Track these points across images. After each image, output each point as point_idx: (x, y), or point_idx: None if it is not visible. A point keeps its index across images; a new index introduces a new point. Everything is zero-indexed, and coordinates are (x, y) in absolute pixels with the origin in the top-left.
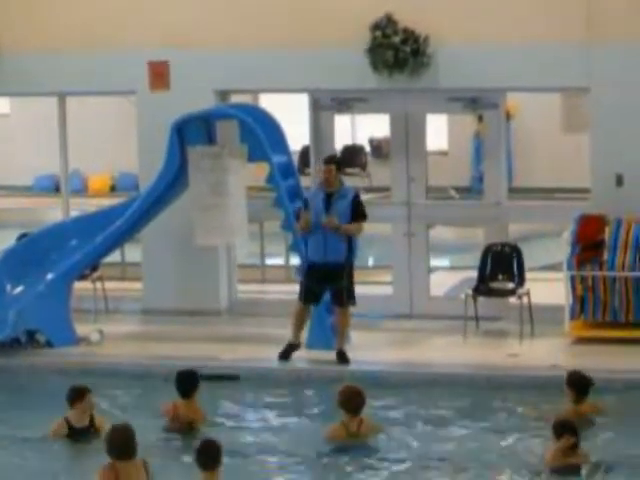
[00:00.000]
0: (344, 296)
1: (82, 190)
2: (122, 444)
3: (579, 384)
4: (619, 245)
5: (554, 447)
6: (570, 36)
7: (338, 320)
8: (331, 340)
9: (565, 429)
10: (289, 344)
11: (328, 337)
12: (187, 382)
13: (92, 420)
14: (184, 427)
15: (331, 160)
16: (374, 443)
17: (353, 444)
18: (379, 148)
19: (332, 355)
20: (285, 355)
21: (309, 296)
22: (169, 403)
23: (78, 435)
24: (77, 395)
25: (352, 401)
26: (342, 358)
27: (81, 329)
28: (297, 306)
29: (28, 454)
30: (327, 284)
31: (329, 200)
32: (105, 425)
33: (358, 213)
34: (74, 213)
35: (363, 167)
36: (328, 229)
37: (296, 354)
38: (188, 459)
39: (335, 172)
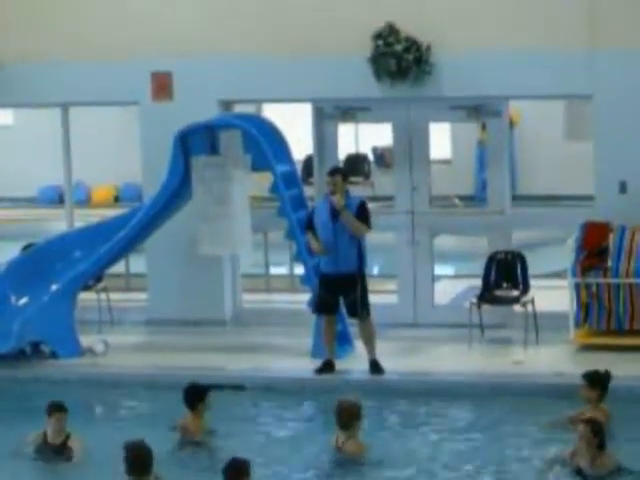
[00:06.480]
0: (357, 307)
1: (86, 201)
2: (139, 462)
3: (604, 381)
4: (623, 252)
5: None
6: (573, 43)
7: (362, 331)
8: (336, 349)
9: (590, 425)
10: (328, 360)
11: None
12: (194, 396)
13: (66, 439)
14: (194, 441)
15: (336, 171)
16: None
17: (342, 458)
18: (382, 157)
19: (338, 363)
20: (323, 371)
21: (322, 307)
22: (182, 420)
23: (50, 452)
24: (55, 408)
25: (341, 416)
26: (375, 368)
27: (86, 340)
28: (322, 322)
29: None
30: (340, 295)
31: (335, 212)
32: (79, 445)
33: (362, 218)
34: (78, 224)
35: (366, 176)
36: (336, 207)
37: (301, 364)
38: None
39: (341, 183)
